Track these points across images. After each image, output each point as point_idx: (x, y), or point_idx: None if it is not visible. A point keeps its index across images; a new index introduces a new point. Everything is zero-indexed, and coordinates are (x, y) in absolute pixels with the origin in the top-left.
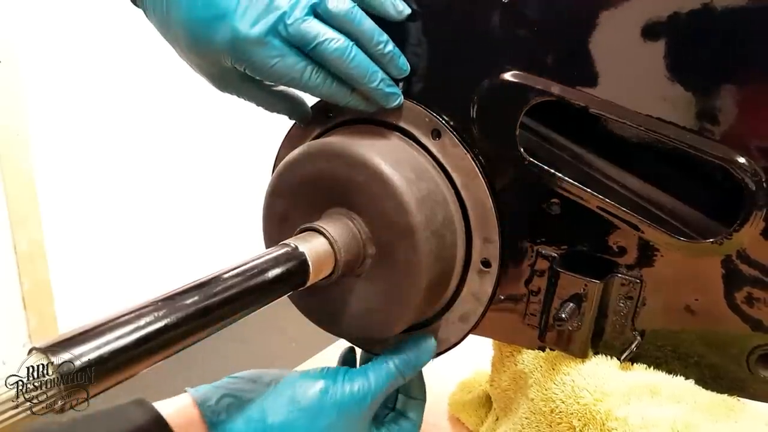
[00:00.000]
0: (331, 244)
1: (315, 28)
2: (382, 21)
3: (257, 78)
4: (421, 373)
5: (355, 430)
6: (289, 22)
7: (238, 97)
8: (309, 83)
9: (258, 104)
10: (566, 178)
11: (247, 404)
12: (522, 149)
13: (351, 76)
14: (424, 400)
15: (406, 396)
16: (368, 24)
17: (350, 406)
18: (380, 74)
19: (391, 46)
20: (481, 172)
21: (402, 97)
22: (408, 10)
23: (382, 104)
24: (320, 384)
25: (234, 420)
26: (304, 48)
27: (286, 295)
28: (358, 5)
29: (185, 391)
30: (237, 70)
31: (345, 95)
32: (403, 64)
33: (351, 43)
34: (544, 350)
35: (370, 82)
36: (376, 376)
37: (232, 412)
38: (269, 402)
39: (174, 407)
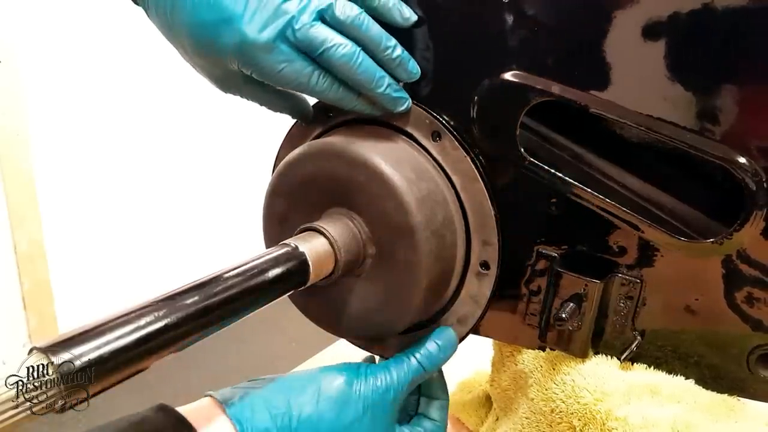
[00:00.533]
0: (331, 244)
1: (322, 34)
2: (389, 26)
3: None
4: (441, 372)
5: (380, 425)
6: (297, 27)
7: (241, 97)
8: (316, 88)
9: (261, 104)
10: (567, 178)
11: (272, 400)
12: (522, 149)
13: (358, 81)
14: (446, 399)
15: (428, 397)
16: (376, 29)
17: (374, 400)
18: (387, 79)
19: (399, 51)
20: (480, 175)
21: (410, 101)
22: (414, 17)
23: (390, 109)
24: (344, 377)
25: (259, 415)
26: (311, 53)
27: (286, 295)
28: (366, 9)
29: (206, 395)
30: (242, 73)
31: (351, 99)
32: (413, 68)
33: (358, 49)
34: (544, 350)
35: (377, 87)
36: (397, 371)
37: (257, 408)
38: (294, 395)
39: (195, 408)
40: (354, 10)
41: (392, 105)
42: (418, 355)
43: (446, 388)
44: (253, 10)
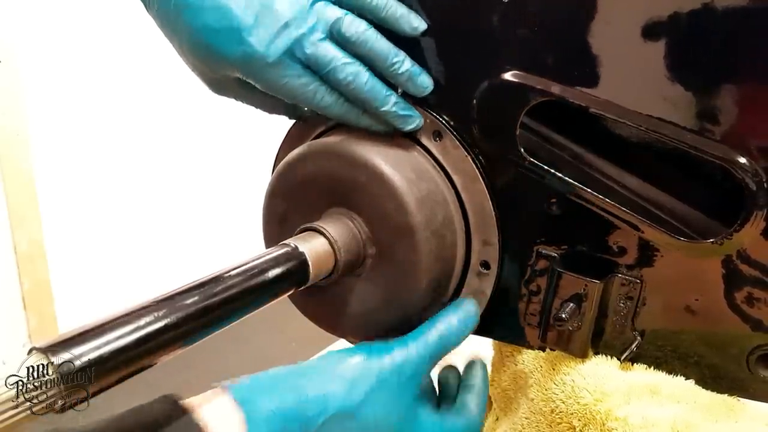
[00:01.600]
0: (331, 244)
1: (330, 53)
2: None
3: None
4: (482, 362)
5: (397, 403)
6: (306, 45)
7: (236, 100)
8: (321, 103)
9: (257, 107)
10: (567, 178)
11: (278, 382)
12: (522, 149)
13: (363, 100)
14: (484, 386)
15: (465, 383)
16: (383, 44)
17: (389, 376)
18: (393, 98)
19: (408, 65)
20: (481, 175)
21: (420, 119)
22: (423, 26)
23: (398, 127)
24: (355, 355)
25: (265, 396)
26: (317, 72)
27: (286, 295)
28: (374, 19)
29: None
30: (239, 78)
31: (357, 115)
32: (422, 82)
33: (363, 68)
34: (544, 350)
35: (382, 105)
36: (416, 345)
37: (262, 390)
38: (301, 377)
39: (200, 396)
40: (361, 26)
41: (399, 123)
42: (438, 329)
43: (481, 372)
44: (261, 22)
